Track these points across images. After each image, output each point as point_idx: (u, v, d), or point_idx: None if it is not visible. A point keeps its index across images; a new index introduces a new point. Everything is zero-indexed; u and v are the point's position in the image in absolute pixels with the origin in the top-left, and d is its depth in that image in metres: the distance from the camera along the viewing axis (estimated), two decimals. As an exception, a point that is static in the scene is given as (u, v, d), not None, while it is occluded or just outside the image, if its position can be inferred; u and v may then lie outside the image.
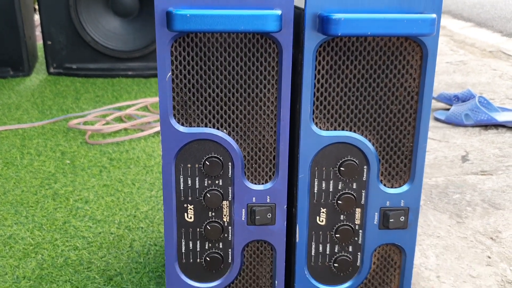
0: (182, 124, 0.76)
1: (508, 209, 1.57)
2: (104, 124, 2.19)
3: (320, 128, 0.77)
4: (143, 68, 2.91)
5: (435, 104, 2.63)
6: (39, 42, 3.48)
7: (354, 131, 0.77)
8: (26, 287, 1.19)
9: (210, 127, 0.76)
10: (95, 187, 1.66)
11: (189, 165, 0.78)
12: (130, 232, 1.42)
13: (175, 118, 0.75)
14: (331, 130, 0.77)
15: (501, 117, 2.23)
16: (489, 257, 1.34)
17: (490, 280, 1.26)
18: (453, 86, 2.93)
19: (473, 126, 2.27)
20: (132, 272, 1.25)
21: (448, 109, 2.45)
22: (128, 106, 2.47)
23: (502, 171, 1.83)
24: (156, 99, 2.53)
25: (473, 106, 2.24)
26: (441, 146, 2.09)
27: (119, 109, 2.45)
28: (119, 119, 2.30)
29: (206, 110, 0.75)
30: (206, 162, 0.77)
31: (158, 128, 2.12)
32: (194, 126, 0.76)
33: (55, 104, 2.52)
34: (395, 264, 0.85)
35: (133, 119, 2.29)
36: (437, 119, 2.38)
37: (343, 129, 0.77)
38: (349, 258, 0.83)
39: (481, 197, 1.65)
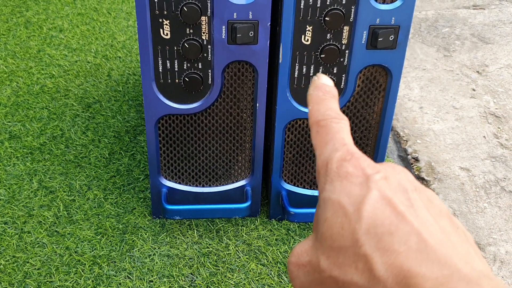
0: None
1: (497, 44, 1.53)
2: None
3: None
4: None
5: None
6: None
7: None
8: (2, 113, 1.17)
9: None
10: (69, 15, 1.57)
11: (163, -26, 0.71)
12: (108, 61, 1.36)
13: None
14: None
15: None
16: (474, 90, 1.33)
17: (473, 111, 1.26)
18: None
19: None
20: (111, 100, 1.22)
21: None
22: None
23: (495, 5, 1.76)
24: None
25: None
26: (434, -21, 1.98)
27: None
28: None
29: None
30: (182, -30, 0.70)
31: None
32: None
33: None
34: (380, 86, 0.82)
35: None
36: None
37: None
38: (333, 80, 0.80)
39: (471, 31, 1.60)
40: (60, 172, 1.02)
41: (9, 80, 1.27)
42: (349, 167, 0.33)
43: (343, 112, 0.84)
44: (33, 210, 0.94)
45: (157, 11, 0.73)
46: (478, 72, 1.40)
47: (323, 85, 0.40)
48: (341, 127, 0.37)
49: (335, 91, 0.39)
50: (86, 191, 0.98)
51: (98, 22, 1.54)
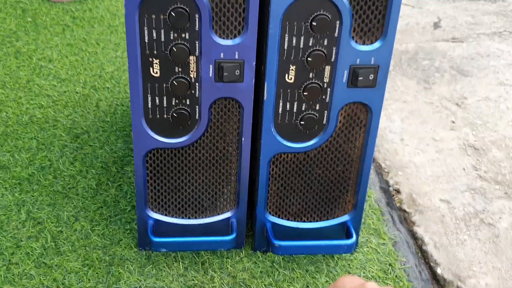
0: (145, -31, 0.71)
1: (475, 76, 1.59)
2: (65, -20, 2.06)
3: (293, -22, 0.72)
4: None
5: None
6: None
7: (328, -17, 0.73)
8: (-9, 143, 1.18)
9: (175, -27, 0.71)
10: (58, 46, 1.60)
11: (153, 16, 0.74)
12: (96, 91, 1.39)
13: (137, -38, 0.70)
14: (304, -19, 0.73)
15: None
16: (453, 122, 1.37)
17: (452, 143, 1.29)
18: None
19: (449, -7, 2.21)
20: (99, 130, 1.24)
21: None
22: (91, -38, 2.32)
23: (473, 38, 1.82)
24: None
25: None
26: (414, 12, 2.05)
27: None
28: (81, -24, 2.16)
29: (170, -46, 0.70)
30: (172, 13, 0.73)
31: (123, -14, 2.00)
32: (157, -28, 0.71)
33: (11, -42, 2.35)
34: (361, 123, 0.86)
35: (96, -25, 2.16)
36: (413, -15, 2.31)
37: (316, -19, 0.73)
38: (316, 116, 0.83)
39: (450, 64, 1.65)
40: (48, 202, 1.03)
41: (-2, 110, 1.29)
42: None
43: (325, 146, 0.87)
44: (21, 241, 0.95)
45: (147, 51, 0.76)
46: (457, 104, 1.45)
47: None
48: None
49: None
50: (73, 222, 0.99)
51: (87, 53, 1.56)
